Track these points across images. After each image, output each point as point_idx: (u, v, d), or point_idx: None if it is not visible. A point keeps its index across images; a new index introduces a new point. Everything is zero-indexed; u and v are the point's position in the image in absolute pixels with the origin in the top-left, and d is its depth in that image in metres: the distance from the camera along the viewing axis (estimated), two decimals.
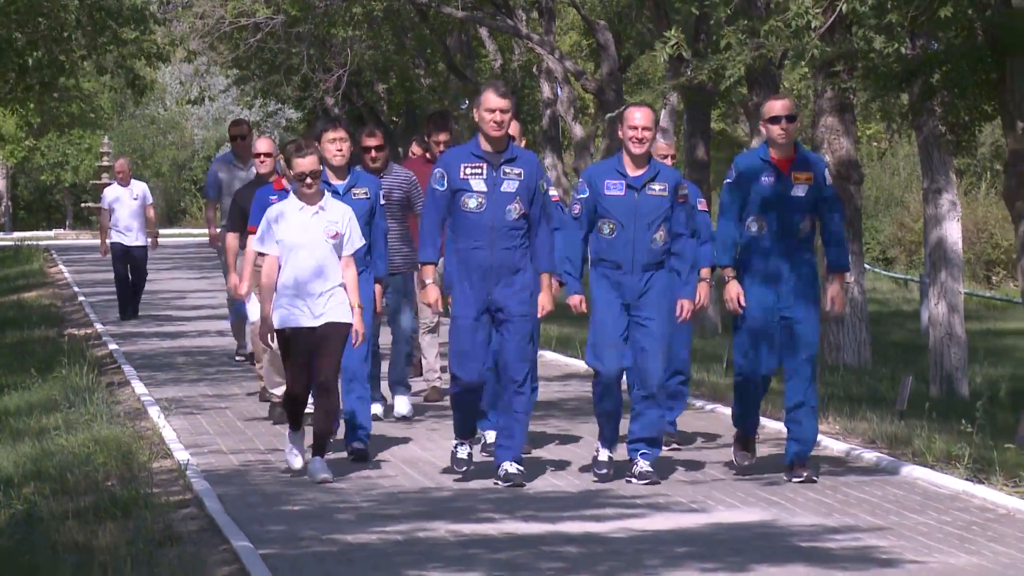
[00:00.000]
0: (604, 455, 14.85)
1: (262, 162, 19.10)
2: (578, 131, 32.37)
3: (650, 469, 14.58)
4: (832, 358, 23.69)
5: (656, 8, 26.32)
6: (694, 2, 23.94)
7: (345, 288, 14.73)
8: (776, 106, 14.77)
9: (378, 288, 16.15)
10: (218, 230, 22.23)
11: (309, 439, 15.07)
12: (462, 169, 14.41)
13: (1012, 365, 26.08)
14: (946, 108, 21.64)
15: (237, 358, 22.96)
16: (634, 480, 14.55)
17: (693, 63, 23.13)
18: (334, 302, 14.67)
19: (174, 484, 15.00)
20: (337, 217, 14.71)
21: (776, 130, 14.65)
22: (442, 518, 13.29)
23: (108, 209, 29.69)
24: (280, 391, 17.45)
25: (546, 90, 32.99)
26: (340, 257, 14.70)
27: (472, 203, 14.39)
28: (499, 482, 14.49)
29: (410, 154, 20.92)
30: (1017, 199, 18.60)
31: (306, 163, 14.55)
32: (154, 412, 18.66)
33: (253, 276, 17.06)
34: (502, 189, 14.39)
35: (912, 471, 15.14)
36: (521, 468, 14.59)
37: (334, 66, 40.47)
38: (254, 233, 16.38)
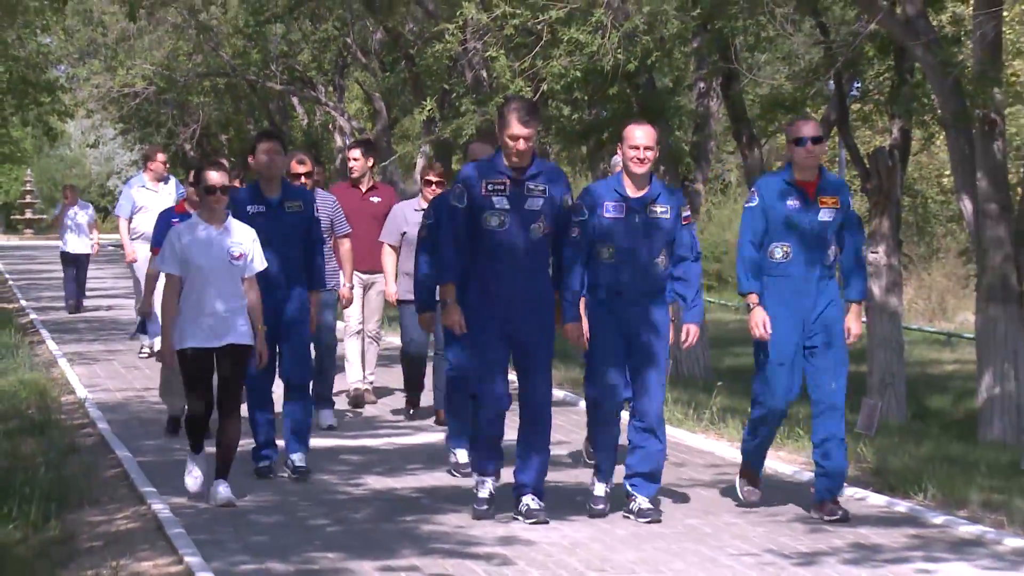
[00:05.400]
0: (601, 489, 10.15)
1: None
2: None
3: (650, 506, 9.99)
4: None
5: (415, 85, 26.34)
6: (442, 81, 24.00)
7: (248, 310, 10.55)
8: (803, 127, 10.11)
9: (314, 298, 11.67)
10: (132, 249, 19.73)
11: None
12: (484, 185, 9.80)
13: None
14: (611, 155, 21.86)
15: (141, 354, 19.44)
16: (632, 516, 9.98)
17: (440, 124, 23.18)
18: (237, 324, 10.42)
19: (76, 412, 14.80)
20: (241, 239, 10.51)
21: (802, 152, 10.02)
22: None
23: (60, 223, 26.42)
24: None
25: (338, 140, 32.80)
26: (243, 279, 10.50)
27: (494, 221, 9.76)
28: (520, 517, 9.84)
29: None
30: None
31: (216, 177, 10.43)
32: (63, 362, 18.41)
33: (156, 295, 13.33)
34: (526, 207, 9.80)
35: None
36: (542, 504, 9.91)
37: (190, 122, 40.37)
38: (155, 253, 12.61)
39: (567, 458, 12.23)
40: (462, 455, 11.45)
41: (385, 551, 9.02)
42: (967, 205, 15.39)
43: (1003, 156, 15.36)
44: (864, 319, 10.40)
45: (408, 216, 13.74)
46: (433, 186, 13.45)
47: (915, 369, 24.15)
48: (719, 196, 46.19)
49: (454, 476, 11.46)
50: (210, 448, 10.60)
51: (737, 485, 10.55)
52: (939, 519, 9.97)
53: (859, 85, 20.49)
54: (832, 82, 19.18)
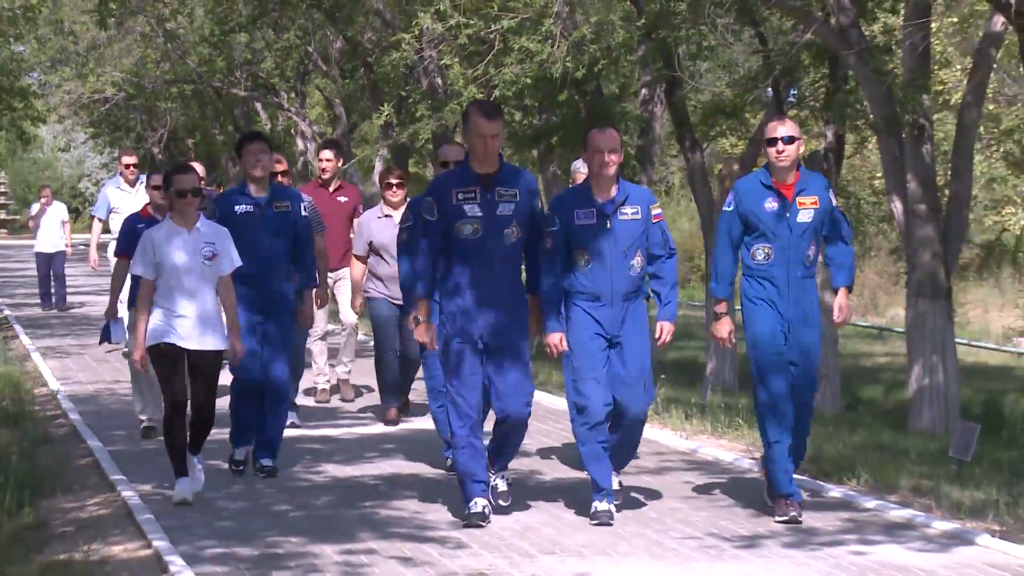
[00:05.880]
0: (604, 506, 9.46)
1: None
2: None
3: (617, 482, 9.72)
4: None
5: (373, 92, 26.29)
6: (399, 88, 23.96)
7: (224, 309, 10.18)
8: (774, 128, 9.52)
9: (307, 295, 11.33)
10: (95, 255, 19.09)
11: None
12: (454, 195, 9.22)
13: None
14: (561, 158, 21.92)
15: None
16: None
17: (398, 129, 23.14)
18: (209, 328, 9.98)
19: (49, 403, 14.75)
20: (213, 238, 10.05)
21: (773, 153, 9.46)
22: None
23: (34, 215, 26.18)
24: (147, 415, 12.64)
25: (300, 144, 32.70)
26: (217, 278, 10.06)
27: (467, 229, 9.20)
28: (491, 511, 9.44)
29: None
30: None
31: (186, 180, 10.00)
32: (36, 356, 18.35)
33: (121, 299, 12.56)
34: (498, 213, 9.22)
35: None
36: (509, 484, 9.81)
37: (158, 127, 40.25)
38: (120, 259, 11.99)
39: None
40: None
41: (345, 536, 9.01)
42: (898, 206, 15.46)
43: (931, 159, 15.42)
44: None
45: (373, 225, 13.32)
46: (393, 188, 13.29)
47: (849, 362, 24.27)
48: (663, 197, 46.36)
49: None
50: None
51: (776, 511, 9.55)
52: (871, 503, 10.00)
53: (795, 92, 20.54)
54: (770, 89, 19.24)
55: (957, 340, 16.49)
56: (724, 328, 9.71)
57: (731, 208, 9.56)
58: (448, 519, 9.50)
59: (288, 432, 12.59)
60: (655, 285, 9.56)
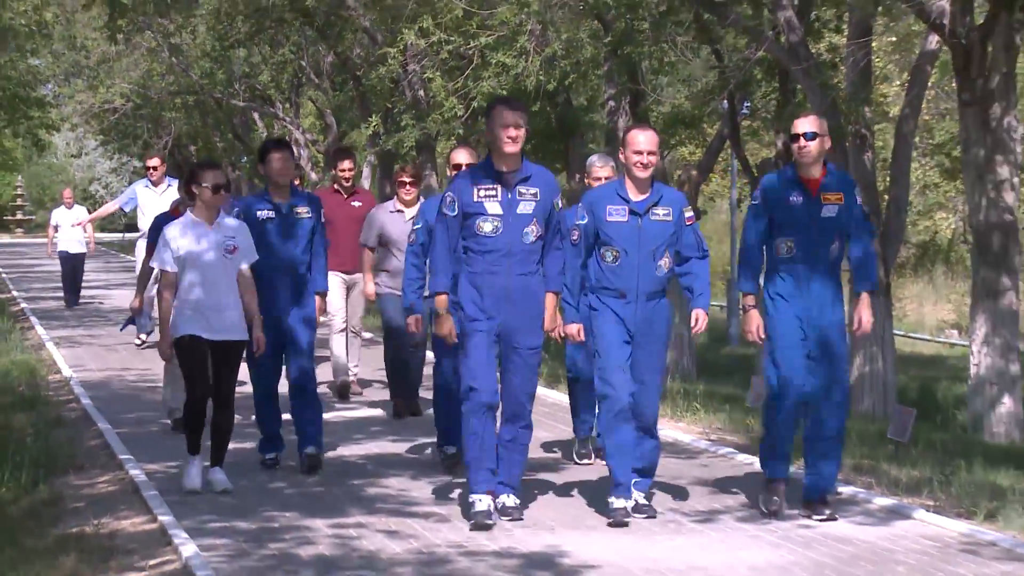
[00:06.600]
0: (620, 503, 8.80)
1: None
2: (313, 176, 32.23)
3: (645, 502, 8.93)
4: None
5: (362, 103, 26.26)
6: (385, 99, 23.94)
7: (244, 301, 9.58)
8: (797, 124, 8.84)
9: (319, 300, 10.57)
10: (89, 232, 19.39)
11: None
12: (475, 192, 8.53)
13: None
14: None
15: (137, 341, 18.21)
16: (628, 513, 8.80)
17: (384, 137, 23.12)
18: (232, 319, 9.48)
19: (62, 389, 14.70)
20: (233, 232, 9.58)
21: (796, 148, 8.79)
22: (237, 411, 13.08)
23: (55, 225, 24.85)
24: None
25: (293, 152, 32.75)
26: (237, 271, 9.56)
27: (487, 227, 8.49)
28: (496, 514, 8.68)
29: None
30: None
31: (215, 175, 9.48)
32: (50, 345, 18.28)
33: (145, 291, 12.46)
34: (518, 211, 8.53)
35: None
36: (518, 501, 8.82)
37: (163, 134, 40.17)
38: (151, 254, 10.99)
39: None
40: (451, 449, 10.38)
41: (336, 511, 9.00)
42: None
43: (872, 167, 15.47)
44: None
45: (384, 218, 12.84)
46: (407, 186, 12.82)
47: None
48: None
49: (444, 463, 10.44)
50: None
51: (760, 500, 9.14)
52: None
53: (749, 104, 20.59)
54: (725, 101, 19.27)
55: (895, 332, 16.53)
56: (753, 322, 8.91)
57: (758, 202, 8.92)
58: (431, 496, 9.49)
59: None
60: (686, 281, 8.91)
